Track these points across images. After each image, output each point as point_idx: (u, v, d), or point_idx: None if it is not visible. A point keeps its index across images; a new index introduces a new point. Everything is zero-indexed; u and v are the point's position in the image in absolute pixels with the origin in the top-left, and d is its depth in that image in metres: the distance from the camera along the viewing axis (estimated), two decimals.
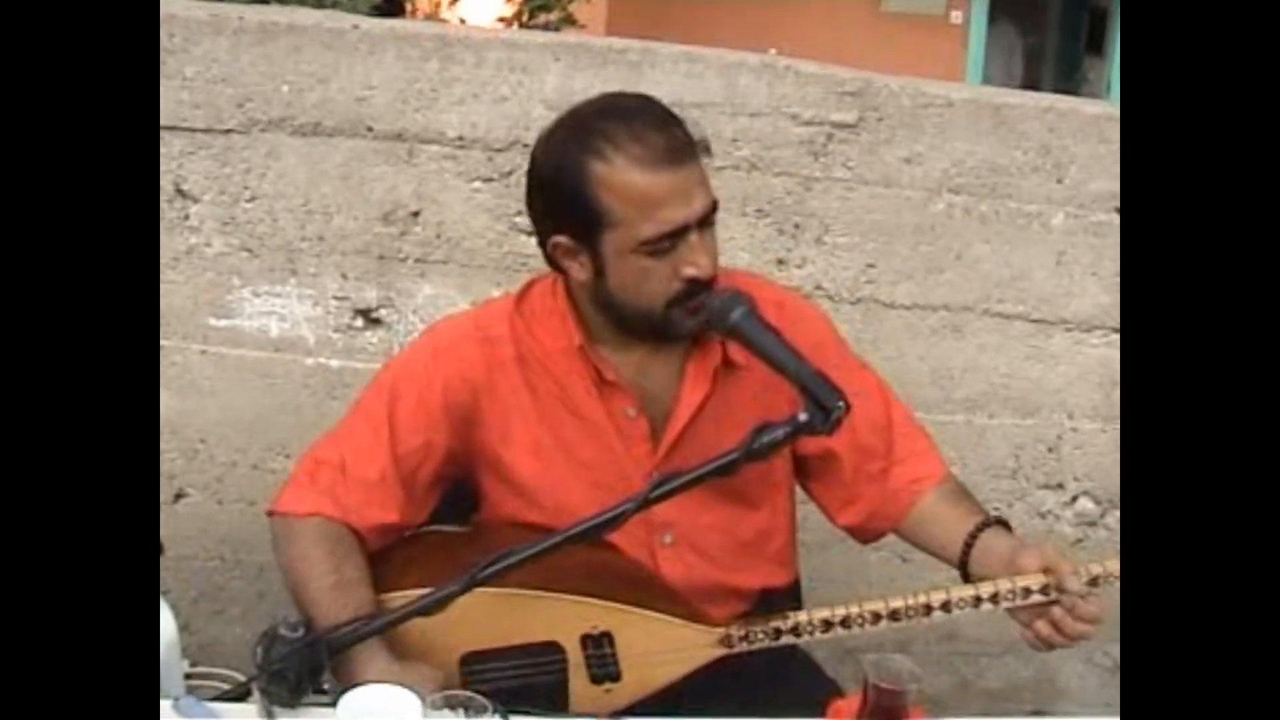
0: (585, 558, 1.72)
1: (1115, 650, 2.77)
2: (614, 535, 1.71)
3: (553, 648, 1.67)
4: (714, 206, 1.67)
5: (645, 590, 1.73)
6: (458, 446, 1.78)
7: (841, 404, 1.50)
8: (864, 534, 1.91)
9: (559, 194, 1.68)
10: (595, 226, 1.65)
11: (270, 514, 1.81)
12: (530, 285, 1.84)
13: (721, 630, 1.69)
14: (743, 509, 1.83)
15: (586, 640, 1.68)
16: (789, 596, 1.92)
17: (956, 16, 10.48)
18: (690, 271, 1.64)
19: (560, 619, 1.67)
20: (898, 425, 1.89)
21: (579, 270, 1.70)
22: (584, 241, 1.67)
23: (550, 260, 1.74)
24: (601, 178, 1.63)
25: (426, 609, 1.51)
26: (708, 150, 1.71)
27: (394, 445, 1.75)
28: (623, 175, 1.62)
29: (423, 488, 1.79)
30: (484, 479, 1.83)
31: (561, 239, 1.69)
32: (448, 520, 1.86)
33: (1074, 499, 2.75)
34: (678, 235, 1.63)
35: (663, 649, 1.69)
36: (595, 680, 1.68)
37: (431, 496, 1.81)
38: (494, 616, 1.61)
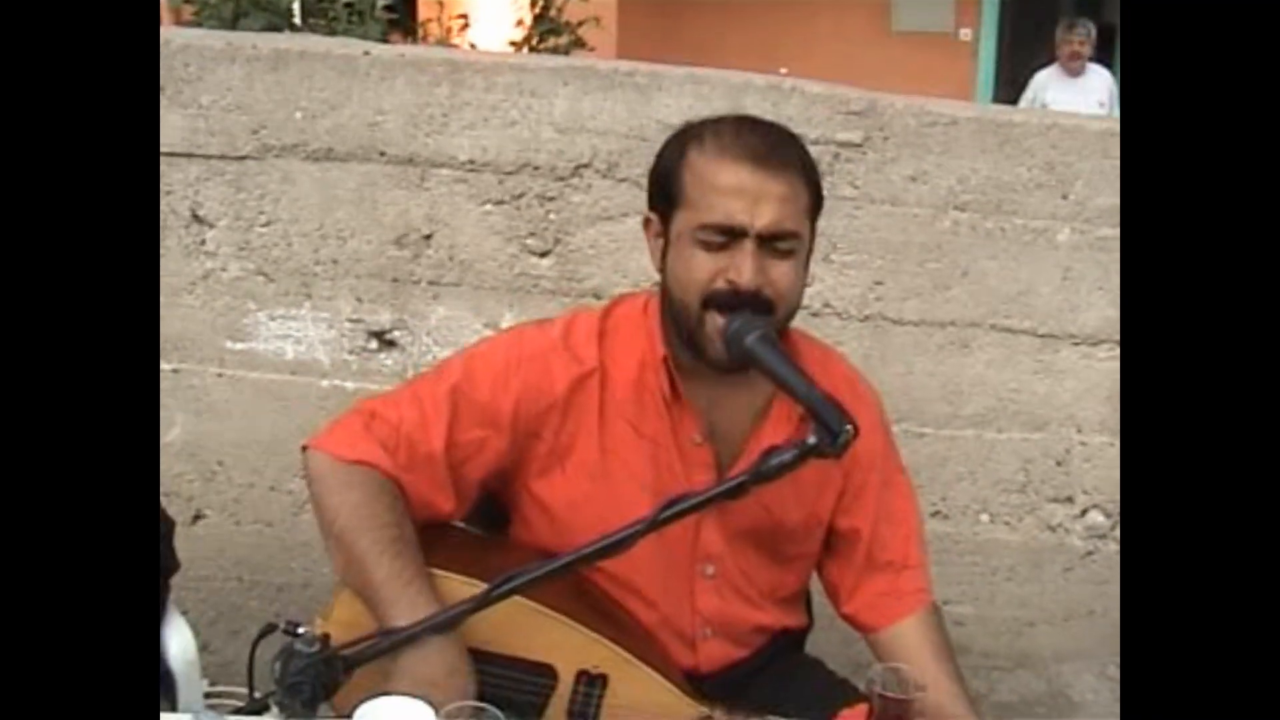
0: (606, 602, 1.76)
1: None
2: (659, 559, 1.74)
3: (548, 671, 1.67)
4: (787, 233, 1.65)
5: (645, 647, 1.75)
6: (509, 456, 1.76)
7: (849, 428, 1.50)
8: (864, 625, 1.88)
9: (658, 171, 1.74)
10: (673, 203, 1.69)
11: (306, 448, 1.75)
12: (615, 304, 1.84)
13: (705, 710, 1.69)
14: (776, 564, 1.86)
15: (583, 675, 1.67)
16: (801, 636, 1.98)
17: (965, 34, 10.52)
18: (731, 275, 1.63)
19: (566, 646, 1.67)
20: (915, 531, 1.90)
21: (655, 251, 1.75)
22: (663, 219, 1.72)
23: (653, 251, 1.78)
24: (691, 159, 1.68)
25: (439, 626, 1.53)
26: (818, 199, 1.72)
27: (451, 430, 1.72)
28: (706, 159, 1.67)
29: (464, 485, 1.76)
30: (522, 499, 1.81)
31: (651, 215, 1.75)
32: None
33: (1084, 512, 2.76)
34: (733, 235, 1.63)
35: (647, 710, 1.68)
36: (570, 716, 1.67)
37: (468, 499, 1.78)
38: (505, 622, 1.60)
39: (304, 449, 1.76)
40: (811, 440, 1.51)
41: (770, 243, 1.64)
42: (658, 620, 1.80)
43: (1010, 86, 10.38)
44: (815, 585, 1.97)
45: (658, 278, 1.75)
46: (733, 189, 1.64)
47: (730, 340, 1.63)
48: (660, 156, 1.75)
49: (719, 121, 1.73)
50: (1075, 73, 7.47)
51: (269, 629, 1.52)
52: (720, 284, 1.64)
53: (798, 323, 1.81)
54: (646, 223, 1.77)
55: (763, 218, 1.63)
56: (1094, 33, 7.55)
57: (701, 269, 1.65)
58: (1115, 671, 2.84)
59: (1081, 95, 7.26)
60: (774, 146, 1.67)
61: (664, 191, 1.71)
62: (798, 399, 1.58)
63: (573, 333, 1.78)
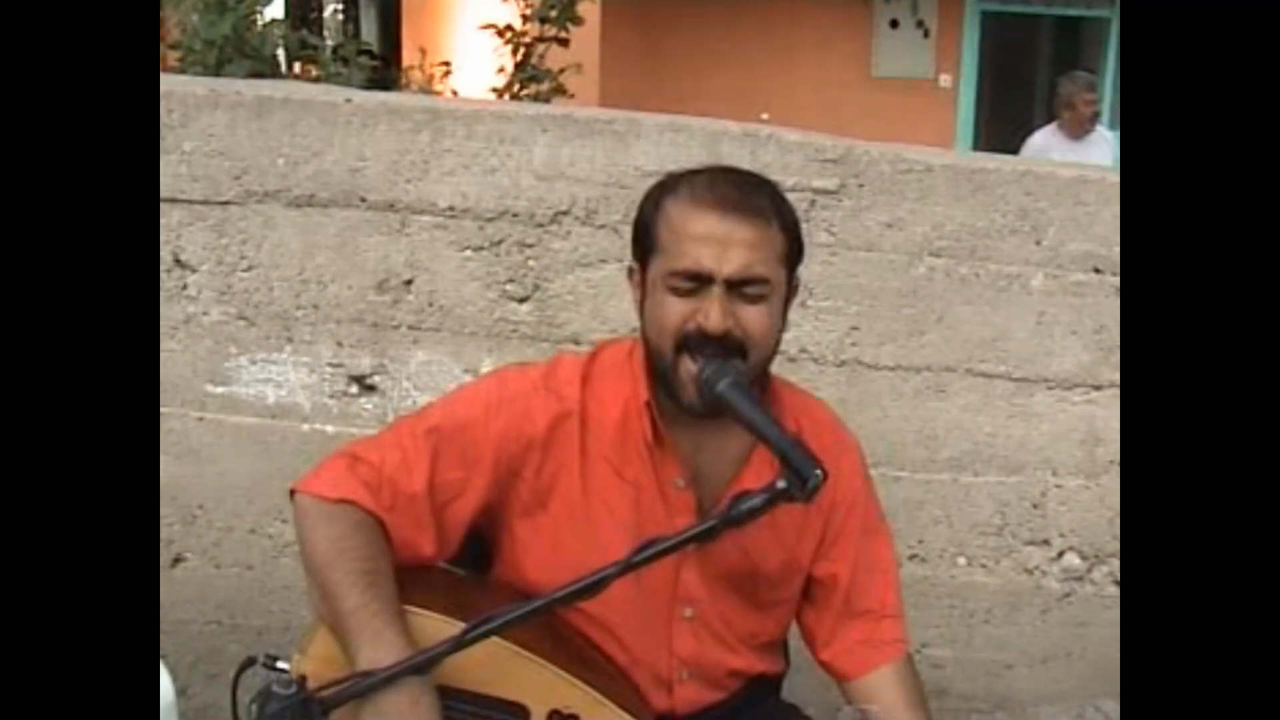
0: (581, 643, 1.77)
1: (1107, 705, 2.80)
2: (639, 600, 1.76)
3: (520, 711, 1.67)
4: (755, 278, 1.68)
5: (619, 689, 1.76)
6: (491, 495, 1.77)
7: (818, 473, 1.53)
8: (840, 672, 1.89)
9: (638, 221, 1.77)
10: (650, 251, 1.73)
11: (294, 492, 1.76)
12: (601, 349, 1.87)
13: None
14: (755, 610, 1.87)
15: (554, 715, 1.68)
16: (778, 681, 1.99)
17: (945, 80, 10.61)
18: (699, 320, 1.66)
19: (538, 686, 1.68)
20: (894, 580, 1.92)
21: (636, 299, 1.78)
22: (641, 266, 1.76)
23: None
24: (666, 208, 1.72)
25: (415, 668, 1.53)
26: (795, 246, 1.76)
27: (432, 471, 1.73)
28: (678, 207, 1.71)
29: (449, 526, 1.76)
30: (506, 540, 1.82)
31: (634, 264, 1.79)
32: None
33: (1060, 554, 2.78)
34: (701, 281, 1.66)
35: None
36: None
37: (451, 541, 1.78)
38: (479, 661, 1.60)
39: (291, 493, 1.77)
40: (781, 485, 1.53)
41: (739, 288, 1.67)
42: (633, 662, 1.81)
43: (990, 132, 10.49)
44: (792, 629, 1.98)
45: (636, 323, 1.78)
46: (702, 236, 1.67)
47: (703, 386, 1.65)
48: (640, 207, 1.78)
49: (696, 173, 1.76)
50: (1083, 134, 6.45)
51: (249, 662, 1.53)
52: (690, 327, 1.67)
53: (775, 368, 1.83)
54: (630, 272, 1.80)
55: (730, 264, 1.66)
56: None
57: (673, 314, 1.68)
58: (1094, 714, 2.85)
59: (1088, 158, 6.01)
60: (745, 194, 1.70)
61: (642, 241, 1.75)
62: (767, 444, 1.60)
63: (556, 374, 1.81)
